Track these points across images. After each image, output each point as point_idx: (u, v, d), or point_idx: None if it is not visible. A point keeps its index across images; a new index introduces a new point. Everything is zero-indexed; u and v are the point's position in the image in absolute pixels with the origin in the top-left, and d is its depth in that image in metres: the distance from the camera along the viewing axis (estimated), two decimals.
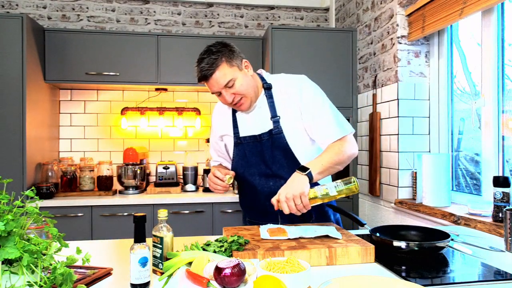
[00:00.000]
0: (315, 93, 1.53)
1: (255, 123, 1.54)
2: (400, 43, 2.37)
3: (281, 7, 3.52)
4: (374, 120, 2.61)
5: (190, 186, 3.01)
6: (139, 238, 0.96)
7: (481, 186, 1.97)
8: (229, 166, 1.71)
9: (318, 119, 1.49)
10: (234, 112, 1.60)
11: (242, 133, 1.56)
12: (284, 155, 1.50)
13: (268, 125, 1.51)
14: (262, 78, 1.59)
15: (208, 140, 3.10)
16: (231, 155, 1.64)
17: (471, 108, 2.04)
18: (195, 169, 3.05)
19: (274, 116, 1.50)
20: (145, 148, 3.23)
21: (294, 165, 1.48)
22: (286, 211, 1.32)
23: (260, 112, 1.54)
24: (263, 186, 1.55)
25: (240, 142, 1.56)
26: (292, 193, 1.30)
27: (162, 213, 1.10)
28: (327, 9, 3.58)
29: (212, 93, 1.49)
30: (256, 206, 1.61)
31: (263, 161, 1.53)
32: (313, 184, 1.38)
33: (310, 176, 1.35)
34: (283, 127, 1.49)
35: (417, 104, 2.38)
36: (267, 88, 1.55)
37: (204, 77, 1.44)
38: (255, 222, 1.64)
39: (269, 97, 1.53)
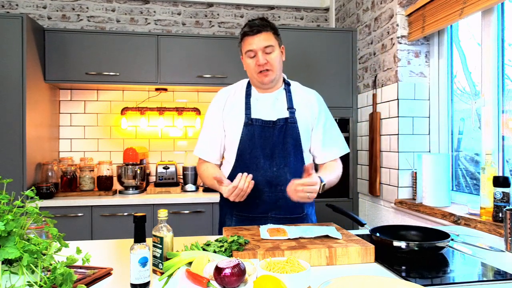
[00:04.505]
0: (329, 111, 1.75)
1: (272, 110, 1.64)
2: (400, 43, 2.37)
3: (281, 7, 3.52)
4: (374, 120, 2.61)
5: (190, 186, 3.01)
6: (139, 238, 0.96)
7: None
8: (216, 161, 1.70)
9: (331, 132, 1.71)
10: (247, 95, 1.67)
11: (254, 116, 1.63)
12: (294, 144, 1.61)
13: (285, 114, 1.63)
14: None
15: None
16: (235, 138, 1.61)
17: (471, 108, 2.04)
18: (195, 169, 3.05)
19: (291, 107, 1.64)
20: (145, 148, 3.23)
21: (299, 155, 1.61)
22: (296, 198, 1.44)
23: (276, 103, 1.66)
24: (266, 170, 1.58)
25: (251, 124, 1.61)
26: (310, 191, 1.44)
27: (162, 213, 1.10)
28: (327, 9, 3.58)
29: (248, 51, 1.57)
30: (250, 195, 1.53)
31: (272, 145, 1.60)
32: None
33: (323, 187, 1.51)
34: (297, 120, 1.63)
35: (417, 104, 2.38)
36: (287, 84, 1.70)
37: (251, 31, 1.55)
38: (243, 216, 1.62)
39: (288, 91, 1.68)
